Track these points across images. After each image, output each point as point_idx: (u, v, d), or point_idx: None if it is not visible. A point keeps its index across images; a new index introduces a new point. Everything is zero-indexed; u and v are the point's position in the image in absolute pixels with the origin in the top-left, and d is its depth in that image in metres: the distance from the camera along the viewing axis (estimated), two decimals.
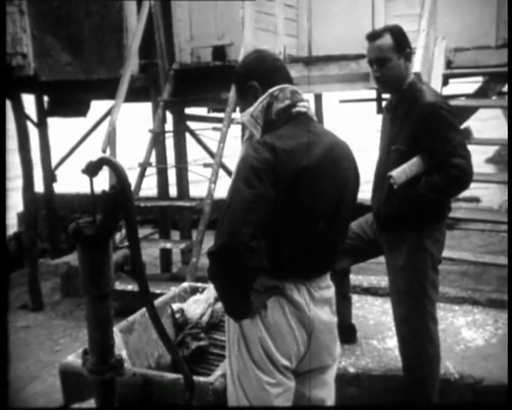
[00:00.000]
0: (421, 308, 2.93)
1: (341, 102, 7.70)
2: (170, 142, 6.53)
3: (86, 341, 2.03)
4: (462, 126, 3.00)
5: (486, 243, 6.92)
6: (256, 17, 5.89)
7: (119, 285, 4.67)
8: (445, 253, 4.42)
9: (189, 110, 6.98)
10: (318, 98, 8.01)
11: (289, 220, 1.96)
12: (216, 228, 1.89)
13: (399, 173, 2.72)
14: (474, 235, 7.47)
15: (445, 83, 4.95)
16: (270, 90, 2.06)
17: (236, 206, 1.85)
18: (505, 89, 5.30)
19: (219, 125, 5.54)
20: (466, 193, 10.12)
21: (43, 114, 7.49)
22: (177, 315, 3.51)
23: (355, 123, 21.76)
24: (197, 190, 7.69)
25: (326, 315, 2.12)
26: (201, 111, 7.52)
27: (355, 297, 4.21)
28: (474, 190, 10.40)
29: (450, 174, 2.70)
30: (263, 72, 2.10)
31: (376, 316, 4.04)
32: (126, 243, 4.68)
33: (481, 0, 5.92)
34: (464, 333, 3.77)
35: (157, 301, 3.36)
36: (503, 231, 6.32)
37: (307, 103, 2.08)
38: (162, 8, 6.26)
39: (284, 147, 1.92)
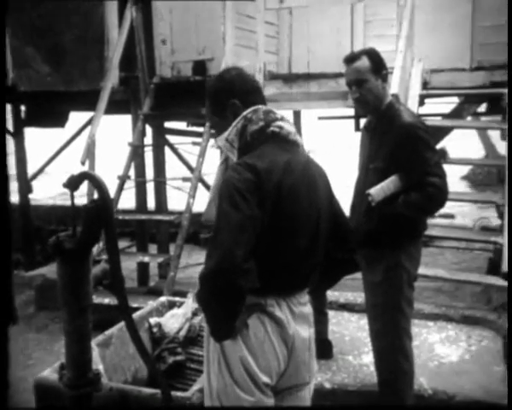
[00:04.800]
0: (396, 324, 2.97)
1: (320, 118, 7.80)
2: (150, 155, 6.53)
3: (61, 355, 2.02)
4: (439, 146, 3.07)
5: (460, 261, 7.04)
6: (237, 33, 5.96)
7: (95, 298, 4.60)
8: (421, 270, 4.48)
9: (168, 124, 7.00)
10: (297, 115, 8.09)
11: (271, 238, 1.97)
12: (206, 252, 1.89)
13: (377, 191, 2.78)
14: (448, 252, 7.59)
15: (421, 103, 5.05)
16: (244, 113, 2.07)
17: (226, 228, 1.85)
18: (480, 109, 5.43)
19: (199, 140, 5.57)
20: (441, 210, 10.27)
21: (19, 123, 7.42)
22: (155, 329, 3.50)
23: (334, 140, 21.95)
24: (177, 203, 7.69)
25: (305, 332, 2.14)
26: (181, 125, 7.54)
27: (331, 313, 4.25)
28: (449, 207, 10.57)
29: (426, 193, 2.77)
30: (244, 91, 2.11)
31: (352, 332, 4.08)
32: (104, 256, 4.66)
33: (456, 24, 6.08)
34: (438, 349, 3.83)
35: (134, 316, 3.34)
36: (477, 249, 6.43)
37: (282, 122, 2.09)
38: (144, 22, 6.29)
39: (265, 166, 1.94)
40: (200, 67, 6.60)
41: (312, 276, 2.20)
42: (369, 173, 2.92)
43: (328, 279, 2.55)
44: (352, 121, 7.13)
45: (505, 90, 4.69)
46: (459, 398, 3.27)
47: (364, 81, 2.84)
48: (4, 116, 2.54)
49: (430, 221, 7.97)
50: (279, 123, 2.09)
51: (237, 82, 2.13)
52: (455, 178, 15.47)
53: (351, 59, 2.90)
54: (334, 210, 2.29)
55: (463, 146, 15.02)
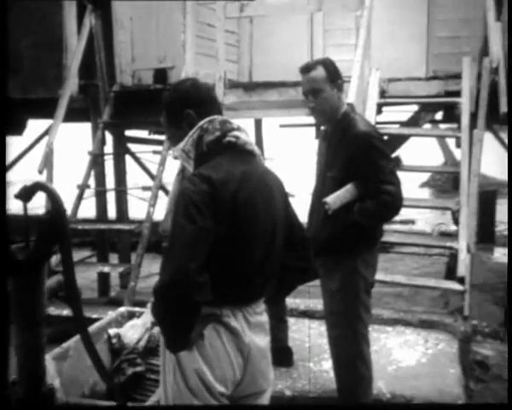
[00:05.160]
0: (354, 331, 3.01)
1: (281, 126, 7.86)
2: (111, 164, 6.47)
3: (13, 370, 1.97)
4: (394, 154, 3.13)
5: (419, 266, 7.18)
6: (197, 42, 5.96)
7: (54, 310, 4.55)
8: (379, 276, 4.57)
9: (129, 132, 6.94)
10: (258, 123, 8.13)
11: (227, 249, 1.98)
12: (161, 264, 1.89)
13: (334, 199, 2.82)
14: (408, 257, 7.73)
15: (379, 111, 5.15)
16: (200, 124, 2.08)
17: (180, 241, 1.85)
18: (436, 117, 5.57)
19: (159, 148, 5.54)
20: (402, 216, 10.49)
21: None
22: (114, 341, 3.45)
23: (296, 148, 22.12)
24: (138, 212, 7.61)
25: (261, 340, 2.15)
26: (143, 133, 7.49)
27: (292, 320, 4.28)
28: (410, 213, 10.77)
29: (381, 200, 2.82)
30: (199, 101, 2.11)
31: (313, 339, 4.12)
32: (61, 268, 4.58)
33: (412, 35, 6.23)
34: (396, 354, 3.90)
35: (93, 327, 3.30)
36: (435, 255, 6.57)
37: (238, 132, 2.10)
38: (103, 29, 6.23)
39: (220, 177, 1.94)
40: (161, 75, 6.58)
41: (268, 285, 2.21)
42: (326, 182, 2.97)
43: (286, 287, 2.57)
44: (313, 129, 7.20)
45: (459, 99, 4.83)
46: (417, 401, 3.34)
47: (320, 91, 2.88)
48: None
49: (390, 227, 8.15)
50: (235, 133, 2.10)
51: (192, 92, 2.14)
52: (415, 184, 15.81)
53: (306, 69, 2.94)
54: (291, 219, 2.31)
55: (425, 153, 15.32)
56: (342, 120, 2.94)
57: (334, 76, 2.93)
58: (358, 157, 2.82)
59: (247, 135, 2.17)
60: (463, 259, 4.09)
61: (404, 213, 10.85)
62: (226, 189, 1.94)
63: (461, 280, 4.08)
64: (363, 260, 2.98)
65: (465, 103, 4.69)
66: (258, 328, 2.13)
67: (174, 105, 2.14)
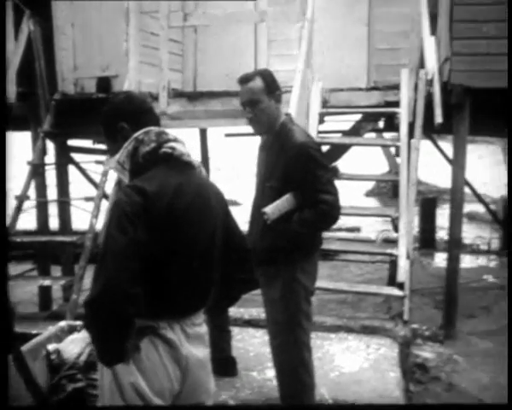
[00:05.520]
0: (295, 339, 3.04)
1: (227, 135, 7.88)
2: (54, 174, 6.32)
3: None
4: (334, 164, 3.19)
5: (364, 272, 7.33)
6: (141, 50, 5.92)
7: None
8: (323, 283, 4.64)
9: (73, 142, 6.80)
10: (204, 133, 8.12)
11: (162, 261, 1.97)
12: (93, 276, 1.85)
13: (273, 209, 2.84)
14: (353, 265, 7.87)
15: (321, 121, 5.23)
16: (135, 135, 2.06)
17: (112, 253, 1.83)
18: (378, 126, 5.71)
19: (103, 158, 5.45)
20: (348, 223, 10.65)
21: None
22: (53, 356, 3.36)
23: (242, 157, 22.20)
24: (83, 223, 7.46)
25: (200, 352, 2.14)
26: (87, 143, 7.35)
27: (236, 330, 4.28)
28: (356, 221, 10.99)
29: (319, 210, 2.86)
30: (132, 113, 2.10)
31: (257, 347, 4.13)
32: None
33: (354, 46, 6.38)
34: (339, 360, 3.95)
35: (30, 343, 3.21)
36: (377, 262, 6.71)
37: (174, 143, 2.10)
38: (43, 35, 6.09)
39: (154, 189, 1.94)
40: (104, 83, 6.49)
41: (207, 296, 2.21)
42: (265, 192, 2.98)
43: (228, 298, 2.58)
44: (260, 138, 7.24)
45: (398, 109, 4.97)
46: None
47: (258, 102, 2.90)
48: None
49: (336, 235, 8.27)
50: (171, 144, 2.09)
51: (125, 105, 2.14)
52: (361, 192, 16.14)
53: (245, 80, 2.95)
54: (231, 230, 2.32)
55: (372, 162, 15.68)
56: (280, 131, 2.96)
57: (272, 87, 2.96)
58: (296, 167, 2.85)
59: (185, 146, 2.17)
60: (403, 265, 4.19)
61: (351, 221, 11.10)
62: (160, 200, 1.94)
63: (400, 286, 4.18)
64: (302, 269, 3.01)
65: (403, 113, 4.83)
66: (197, 340, 2.13)
67: (109, 119, 2.14)
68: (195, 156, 2.23)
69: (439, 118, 4.45)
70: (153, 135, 2.08)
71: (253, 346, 4.18)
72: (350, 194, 13.22)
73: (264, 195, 2.99)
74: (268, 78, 2.96)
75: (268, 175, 2.99)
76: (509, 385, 2.91)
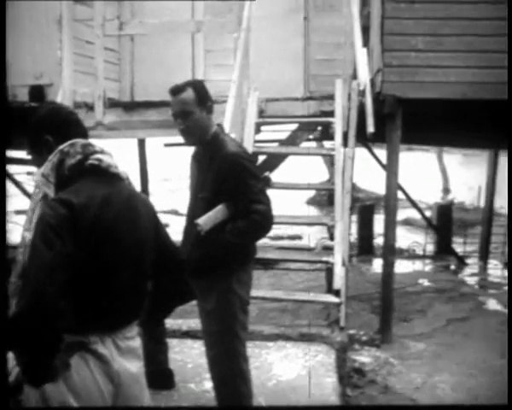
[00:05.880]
0: (232, 349, 3.03)
1: (166, 145, 7.82)
2: None
3: None
4: (265, 174, 3.21)
5: (304, 280, 7.40)
6: (76, 59, 5.80)
7: None
8: (261, 292, 4.67)
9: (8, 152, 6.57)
10: (142, 143, 8.04)
11: (90, 274, 1.93)
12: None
13: (205, 220, 2.84)
14: (294, 272, 7.94)
15: (257, 130, 5.27)
16: (60, 147, 2.03)
17: (37, 266, 1.79)
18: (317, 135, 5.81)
19: (35, 169, 5.30)
20: (290, 231, 10.73)
21: None
22: None
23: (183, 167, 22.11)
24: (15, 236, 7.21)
25: (133, 366, 2.10)
26: (21, 153, 7.12)
27: (174, 342, 4.23)
28: (297, 229, 11.11)
29: (252, 220, 2.87)
30: (57, 125, 2.07)
31: (195, 359, 4.10)
32: None
33: (291, 57, 6.48)
34: (277, 368, 3.97)
35: None
36: (315, 269, 6.80)
37: (101, 155, 2.07)
38: None
39: (81, 201, 1.91)
40: (37, 92, 6.32)
41: (139, 309, 2.18)
42: (197, 203, 2.98)
43: (163, 310, 2.55)
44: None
45: (332, 119, 5.07)
46: None
47: (190, 113, 2.89)
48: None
49: (277, 243, 8.30)
50: (98, 156, 2.07)
51: (50, 118, 2.10)
52: (302, 200, 16.34)
53: (176, 90, 2.93)
54: (163, 241, 2.30)
55: (313, 170, 15.87)
56: (212, 141, 2.96)
57: (204, 98, 2.95)
58: (228, 178, 2.86)
59: (112, 157, 2.14)
60: (339, 272, 4.26)
61: (293, 230, 11.23)
62: (87, 213, 1.91)
63: (337, 293, 4.25)
64: (237, 279, 3.01)
65: (338, 123, 4.93)
66: (130, 353, 2.09)
67: (33, 131, 2.10)
68: (125, 168, 2.21)
69: (371, 127, 4.57)
70: (78, 147, 2.04)
71: (191, 357, 4.15)
72: (291, 202, 13.38)
73: (197, 206, 2.98)
74: (200, 89, 2.95)
75: (200, 186, 2.98)
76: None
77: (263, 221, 2.90)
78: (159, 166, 19.29)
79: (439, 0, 5.50)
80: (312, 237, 11.44)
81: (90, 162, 2.04)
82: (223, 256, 2.94)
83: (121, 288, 2.03)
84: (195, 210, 2.98)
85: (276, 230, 10.70)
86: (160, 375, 3.62)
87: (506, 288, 8.06)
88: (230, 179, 2.85)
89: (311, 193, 16.86)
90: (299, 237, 11.80)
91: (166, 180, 20.76)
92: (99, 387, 1.96)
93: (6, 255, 1.91)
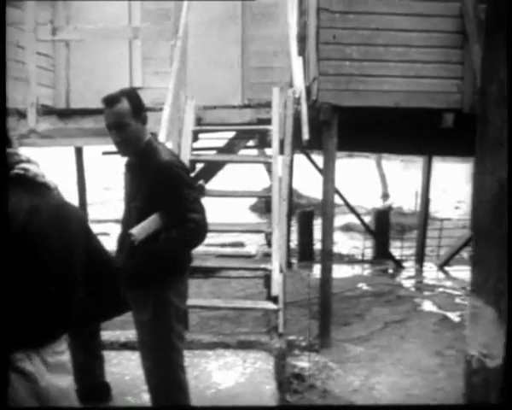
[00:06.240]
0: (169, 360, 3.00)
1: (104, 154, 7.67)
2: None
3: None
4: (199, 182, 3.21)
5: (245, 287, 7.41)
6: (7, 64, 5.61)
7: None
8: (199, 301, 4.65)
9: None
10: (79, 151, 7.86)
11: (15, 287, 1.87)
12: None
13: (139, 230, 2.80)
14: (235, 280, 7.93)
15: (195, 138, 5.26)
16: None
17: None
18: (250, 143, 5.85)
19: None
20: (232, 238, 10.72)
21: None
22: None
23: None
24: None
25: (63, 381, 2.04)
26: None
27: (112, 354, 4.15)
28: (238, 236, 11.13)
29: (186, 228, 2.85)
30: None
31: (133, 371, 4.02)
32: None
33: (229, 65, 6.50)
34: (216, 377, 3.95)
35: None
36: (257, 277, 6.82)
37: (27, 164, 2.01)
38: None
39: (8, 211, 1.84)
40: None
41: (68, 322, 2.13)
42: (131, 213, 2.94)
43: (97, 320, 2.49)
44: None
45: (269, 127, 5.11)
46: None
47: (125, 125, 2.82)
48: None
49: (218, 250, 8.26)
50: (24, 165, 2.00)
51: None
52: (245, 207, 16.39)
53: (110, 101, 2.85)
54: (95, 251, 2.25)
55: (258, 177, 15.92)
56: (145, 150, 2.92)
57: (139, 109, 2.90)
58: (161, 187, 2.83)
59: (39, 167, 2.09)
60: (276, 279, 4.29)
61: (234, 237, 11.22)
62: (12, 224, 1.84)
63: (275, 299, 4.28)
64: (173, 289, 2.98)
65: (275, 131, 4.97)
66: (59, 368, 2.03)
67: None
68: (52, 177, 2.16)
69: (306, 135, 4.63)
70: None
71: (128, 369, 4.07)
72: (235, 209, 13.41)
73: (131, 215, 2.94)
74: (135, 99, 2.89)
75: (133, 195, 2.94)
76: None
77: (197, 230, 2.89)
78: (100, 175, 18.95)
79: (372, 11, 5.66)
80: (255, 243, 11.51)
81: (16, 172, 1.98)
82: (157, 266, 2.90)
83: (48, 301, 1.97)
84: (129, 220, 2.94)
85: (219, 237, 10.69)
86: (95, 389, 3.53)
87: (441, 290, 8.35)
88: (164, 188, 2.82)
89: (254, 200, 16.92)
90: (241, 245, 11.81)
91: (108, 189, 20.35)
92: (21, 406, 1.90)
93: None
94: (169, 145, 4.94)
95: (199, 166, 5.41)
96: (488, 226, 1.27)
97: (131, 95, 2.92)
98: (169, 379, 3.01)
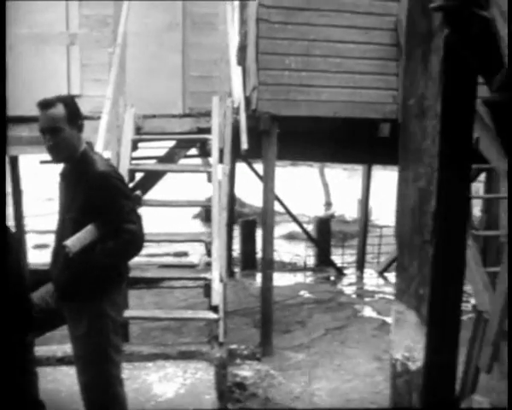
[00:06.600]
0: (106, 374, 2.93)
1: (42, 162, 7.46)
2: None
3: None
4: (136, 193, 3.16)
5: (188, 297, 7.35)
6: None
7: None
8: (139, 312, 4.58)
9: None
10: (14, 161, 7.62)
11: None
12: None
13: (74, 242, 2.73)
14: (178, 290, 7.87)
15: (134, 147, 5.18)
16: None
17: None
18: (190, 152, 5.83)
19: None
20: (176, 248, 10.60)
21: None
22: None
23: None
24: None
25: None
26: None
27: (48, 370, 4.02)
28: (182, 245, 11.04)
29: (123, 239, 2.81)
30: None
31: (69, 387, 3.89)
32: None
33: (169, 73, 6.45)
34: (156, 389, 3.89)
35: None
36: (199, 287, 6.79)
37: None
38: None
39: None
40: None
41: None
42: (66, 223, 2.86)
43: (31, 336, 2.42)
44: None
45: (209, 136, 5.10)
46: None
47: (59, 130, 2.77)
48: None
49: (161, 260, 8.15)
50: None
51: None
52: (189, 216, 16.30)
53: (45, 105, 2.80)
54: (20, 264, 2.20)
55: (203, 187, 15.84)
56: (80, 160, 2.86)
57: (75, 115, 2.85)
58: (97, 198, 2.78)
59: None
60: (216, 288, 4.28)
61: (178, 246, 11.13)
62: None
63: (215, 309, 4.26)
64: (109, 301, 2.92)
65: (214, 140, 4.97)
66: None
67: None
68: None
69: (244, 144, 4.66)
70: None
71: (65, 386, 3.95)
72: (178, 218, 13.30)
73: (65, 227, 2.86)
74: (71, 105, 2.84)
75: (68, 206, 2.87)
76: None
77: (134, 241, 2.85)
78: (41, 186, 18.39)
79: (311, 23, 5.77)
80: (199, 253, 11.45)
81: None
82: (93, 278, 2.84)
83: None
84: (63, 231, 2.87)
85: (162, 247, 10.59)
86: (28, 408, 3.41)
87: (380, 295, 8.54)
88: (100, 199, 2.77)
89: (197, 209, 16.84)
90: (185, 254, 11.73)
91: (50, 200, 19.80)
92: None
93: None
94: (107, 154, 4.86)
95: (139, 175, 5.35)
96: (410, 234, 1.32)
97: (67, 101, 2.88)
98: (106, 393, 2.95)
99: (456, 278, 1.30)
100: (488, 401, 3.86)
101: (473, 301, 5.42)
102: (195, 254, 11.45)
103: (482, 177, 8.08)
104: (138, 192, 3.15)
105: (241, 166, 9.46)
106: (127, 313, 4.21)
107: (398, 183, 1.41)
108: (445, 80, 1.19)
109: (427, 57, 1.21)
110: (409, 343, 1.34)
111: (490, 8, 1.04)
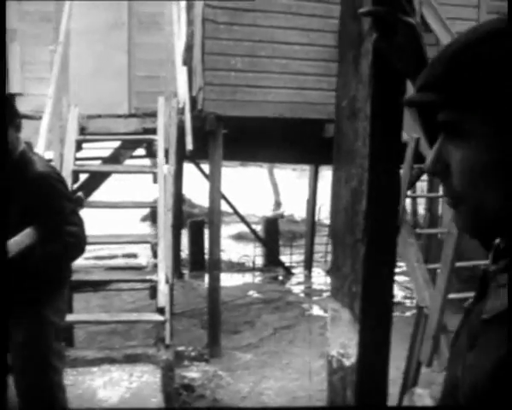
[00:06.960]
0: (47, 381, 2.86)
1: None
2: None
3: None
4: (77, 194, 3.11)
5: (135, 299, 7.26)
6: None
7: None
8: (83, 316, 4.49)
9: None
10: None
11: None
12: None
13: (11, 246, 2.65)
14: (125, 292, 7.76)
15: (79, 148, 5.09)
16: None
17: None
18: (138, 153, 5.75)
19: None
20: (125, 250, 10.44)
21: None
22: None
23: None
24: None
25: None
26: None
27: None
28: (132, 247, 10.89)
29: (64, 242, 2.75)
30: None
31: (11, 396, 3.80)
32: None
33: (115, 73, 6.36)
34: (101, 394, 3.83)
35: None
36: (148, 288, 6.72)
37: None
38: None
39: None
40: None
41: None
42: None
43: None
44: None
45: (154, 137, 5.07)
46: None
47: None
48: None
49: (109, 263, 8.00)
50: None
51: None
52: (136, 219, 16.09)
53: None
54: None
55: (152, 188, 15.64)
56: (19, 161, 2.79)
57: (12, 115, 2.78)
58: (37, 199, 2.71)
59: None
60: (162, 290, 4.25)
61: (127, 248, 10.97)
62: None
63: (161, 311, 4.23)
64: (50, 306, 2.86)
65: (160, 140, 4.93)
66: None
67: None
68: None
69: (189, 145, 4.64)
70: None
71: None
72: (126, 220, 13.11)
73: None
74: (9, 106, 2.77)
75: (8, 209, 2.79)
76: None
77: (76, 243, 2.80)
78: None
79: (256, 24, 5.79)
80: (147, 255, 11.32)
81: None
82: (33, 283, 2.77)
83: None
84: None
85: (109, 249, 10.41)
86: None
87: (328, 294, 8.65)
88: (39, 201, 2.71)
89: (146, 210, 16.65)
90: (134, 256, 11.57)
91: None
92: None
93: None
94: (50, 155, 4.75)
95: (83, 176, 5.25)
96: (343, 234, 1.35)
97: (4, 100, 2.80)
98: (46, 400, 2.88)
99: (387, 275, 1.34)
100: (428, 393, 3.98)
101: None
102: (144, 256, 11.35)
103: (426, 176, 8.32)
104: (80, 194, 3.10)
105: (190, 167, 9.42)
106: (71, 317, 4.13)
107: (332, 183, 1.44)
108: (374, 83, 1.22)
109: (358, 60, 1.25)
110: (343, 340, 1.37)
111: (415, 16, 1.08)
